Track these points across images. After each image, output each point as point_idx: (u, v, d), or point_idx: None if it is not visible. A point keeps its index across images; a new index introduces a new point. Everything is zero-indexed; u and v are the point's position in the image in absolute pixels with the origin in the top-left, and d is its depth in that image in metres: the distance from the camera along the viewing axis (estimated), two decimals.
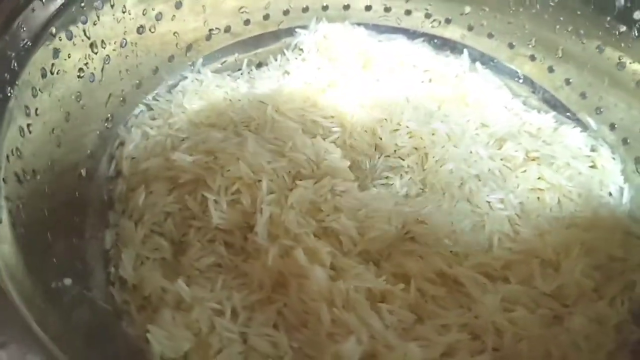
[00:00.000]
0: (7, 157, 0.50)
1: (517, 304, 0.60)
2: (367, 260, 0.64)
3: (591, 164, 0.75)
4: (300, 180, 0.70)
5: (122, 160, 0.71)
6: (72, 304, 0.54)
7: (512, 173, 0.72)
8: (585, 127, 0.78)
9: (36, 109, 0.56)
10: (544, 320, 0.59)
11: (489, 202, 0.68)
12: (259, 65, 0.86)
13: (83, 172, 0.66)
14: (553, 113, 0.81)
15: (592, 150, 0.76)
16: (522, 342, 0.57)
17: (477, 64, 0.85)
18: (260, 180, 0.68)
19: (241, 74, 0.84)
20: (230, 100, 0.78)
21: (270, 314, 0.60)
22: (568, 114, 0.80)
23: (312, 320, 0.59)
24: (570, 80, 0.79)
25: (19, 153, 0.52)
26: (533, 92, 0.83)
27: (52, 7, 0.59)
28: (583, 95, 0.78)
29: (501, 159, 0.74)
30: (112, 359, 0.55)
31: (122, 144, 0.72)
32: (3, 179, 0.48)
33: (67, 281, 0.54)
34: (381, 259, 0.65)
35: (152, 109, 0.77)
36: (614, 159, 0.75)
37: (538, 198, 0.70)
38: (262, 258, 0.63)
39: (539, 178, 0.71)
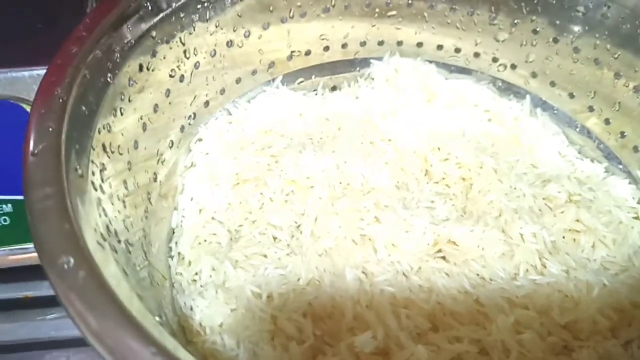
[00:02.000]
0: (99, 130, 0.60)
1: (529, 329, 0.63)
2: (397, 270, 0.69)
3: (635, 215, 0.77)
4: (351, 191, 0.77)
5: (198, 154, 0.81)
6: (135, 265, 0.63)
7: (550, 212, 0.75)
8: (635, 180, 0.80)
9: (129, 97, 0.66)
10: (553, 348, 0.62)
11: (521, 235, 0.71)
12: (333, 89, 0.95)
13: (162, 158, 0.76)
14: (606, 164, 0.83)
15: (639, 202, 0.78)
16: None
17: (538, 110, 0.89)
18: (312, 187, 0.76)
19: (315, 94, 0.92)
20: (300, 114, 0.87)
21: (301, 304, 0.67)
22: (620, 165, 0.82)
23: (336, 314, 0.65)
24: (625, 134, 0.81)
25: (108, 128, 0.62)
26: (589, 142, 0.86)
27: (157, 16, 0.70)
28: (636, 149, 0.80)
29: (543, 198, 0.77)
30: (160, 319, 0.62)
31: (200, 140, 0.82)
32: (92, 146, 0.58)
33: (133, 238, 0.63)
34: (411, 271, 0.69)
35: (230, 114, 0.86)
36: None
37: (574, 240, 0.73)
38: (304, 254, 0.71)
39: (576, 220, 0.74)
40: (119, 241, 0.58)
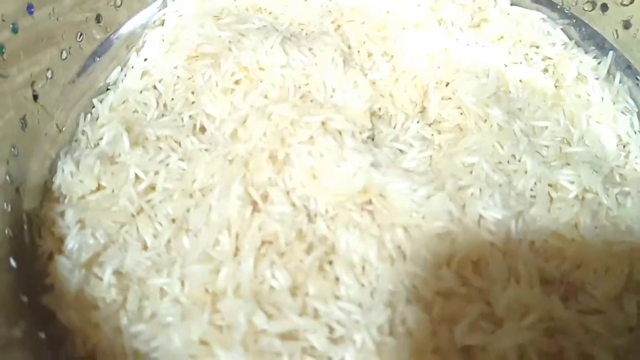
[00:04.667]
0: None
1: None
2: (303, 207, 0.54)
3: None
4: (310, 101, 0.62)
5: (171, 12, 0.70)
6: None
7: (545, 205, 0.54)
8: None
9: None
10: None
11: (480, 217, 0.52)
12: None
13: (117, 2, 0.66)
14: None
15: None
16: None
17: (618, 74, 0.64)
18: (262, 81, 0.62)
19: None
20: (305, 0, 0.71)
21: (178, 208, 0.55)
22: None
23: (202, 235, 0.52)
24: None
25: None
26: None
27: None
28: None
29: (549, 184, 0.56)
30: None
31: None
32: None
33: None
34: (323, 215, 0.54)
35: None
36: None
37: (557, 249, 0.52)
38: (213, 153, 0.58)
39: (574, 226, 0.53)
40: None
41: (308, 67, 0.62)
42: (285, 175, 0.56)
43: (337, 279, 0.50)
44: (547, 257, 0.51)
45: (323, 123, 0.58)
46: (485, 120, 0.59)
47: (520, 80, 0.65)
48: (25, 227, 0.54)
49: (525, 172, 0.56)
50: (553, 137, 0.60)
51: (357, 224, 0.53)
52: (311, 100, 0.62)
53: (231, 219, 0.53)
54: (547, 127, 0.61)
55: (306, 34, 0.68)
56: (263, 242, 0.51)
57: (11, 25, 0.54)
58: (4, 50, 0.53)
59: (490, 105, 0.60)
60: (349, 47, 0.66)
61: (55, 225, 0.54)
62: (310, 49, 0.64)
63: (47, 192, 0.57)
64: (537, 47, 0.67)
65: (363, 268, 0.51)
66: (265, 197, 0.55)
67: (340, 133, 0.58)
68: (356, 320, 0.47)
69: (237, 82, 0.63)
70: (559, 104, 0.63)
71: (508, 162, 0.57)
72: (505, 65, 0.66)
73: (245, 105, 0.61)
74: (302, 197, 0.55)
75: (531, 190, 0.56)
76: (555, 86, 0.65)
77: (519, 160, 0.57)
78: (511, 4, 0.69)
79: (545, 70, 0.67)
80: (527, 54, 0.67)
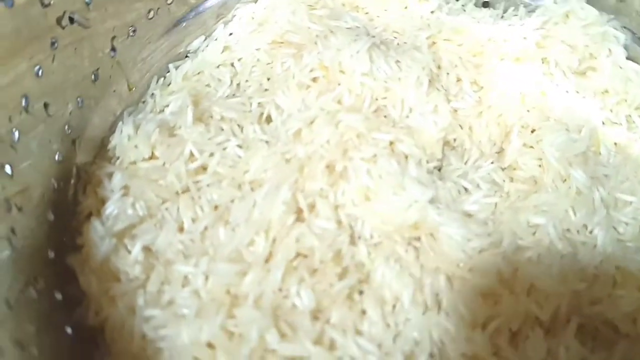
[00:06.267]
0: None
1: None
2: (349, 227, 0.51)
3: None
4: (384, 117, 0.59)
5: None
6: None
7: (607, 289, 0.49)
8: None
9: None
10: None
11: (531, 286, 0.48)
12: (485, 5, 0.71)
13: None
14: None
15: None
16: None
17: None
18: (339, 84, 0.59)
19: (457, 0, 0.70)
20: (405, 7, 0.67)
21: (224, 196, 0.53)
22: None
23: (240, 229, 0.51)
24: None
25: None
26: None
27: None
28: None
29: (616, 267, 0.50)
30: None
31: None
32: None
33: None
34: (367, 239, 0.51)
35: None
36: None
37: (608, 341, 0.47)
38: (272, 148, 0.56)
39: (633, 320, 0.47)
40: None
41: (390, 80, 0.59)
42: (338, 190, 0.53)
43: (363, 312, 0.47)
44: (594, 348, 0.47)
45: (391, 143, 0.55)
46: (565, 180, 0.54)
47: (616, 144, 0.60)
48: (73, 181, 0.54)
49: (594, 247, 0.51)
50: (635, 215, 0.55)
51: (398, 259, 0.50)
52: (385, 116, 0.59)
53: (272, 222, 0.50)
54: (631, 203, 0.55)
55: (397, 44, 0.65)
56: (297, 255, 0.49)
57: None
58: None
59: (574, 165, 0.55)
60: (439, 67, 0.62)
61: (101, 186, 0.53)
62: (397, 62, 0.60)
63: (102, 149, 0.57)
64: (631, 96, 0.61)
65: (393, 307, 0.48)
66: (312, 207, 0.52)
67: (406, 158, 0.55)
68: None
69: (314, 80, 0.60)
70: None
71: (578, 231, 0.52)
72: (603, 123, 0.60)
73: (316, 106, 0.58)
74: (350, 216, 0.52)
75: (595, 268, 0.51)
76: None
77: (590, 232, 0.52)
78: (627, 57, 0.63)
79: (632, 126, 0.61)
80: (629, 116, 0.61)
